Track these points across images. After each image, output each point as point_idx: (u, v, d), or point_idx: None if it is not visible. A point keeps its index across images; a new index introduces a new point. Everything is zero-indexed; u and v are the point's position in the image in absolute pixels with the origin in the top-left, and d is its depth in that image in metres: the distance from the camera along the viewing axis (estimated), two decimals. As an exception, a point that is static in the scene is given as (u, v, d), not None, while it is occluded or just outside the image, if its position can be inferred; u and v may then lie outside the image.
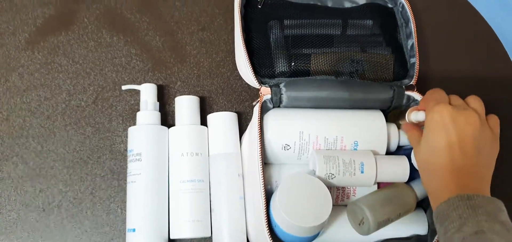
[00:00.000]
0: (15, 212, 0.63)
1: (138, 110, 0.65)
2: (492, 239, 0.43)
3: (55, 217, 0.63)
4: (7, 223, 0.62)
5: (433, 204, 0.50)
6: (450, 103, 0.52)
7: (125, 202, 0.63)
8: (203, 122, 0.65)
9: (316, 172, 0.57)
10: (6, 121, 0.65)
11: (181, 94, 0.68)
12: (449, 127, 0.50)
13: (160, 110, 0.65)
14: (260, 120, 0.58)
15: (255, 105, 0.61)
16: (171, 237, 0.60)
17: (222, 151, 0.62)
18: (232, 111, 0.65)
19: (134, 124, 0.66)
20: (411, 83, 0.63)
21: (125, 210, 0.63)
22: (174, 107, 0.67)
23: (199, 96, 0.65)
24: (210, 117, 0.63)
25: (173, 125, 0.64)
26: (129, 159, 0.61)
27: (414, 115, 0.56)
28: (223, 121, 0.63)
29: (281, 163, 0.62)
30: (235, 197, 0.60)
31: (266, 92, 0.60)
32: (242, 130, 0.65)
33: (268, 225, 0.54)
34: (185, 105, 0.63)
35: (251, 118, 0.65)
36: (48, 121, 0.66)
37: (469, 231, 0.44)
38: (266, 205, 0.55)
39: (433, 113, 0.51)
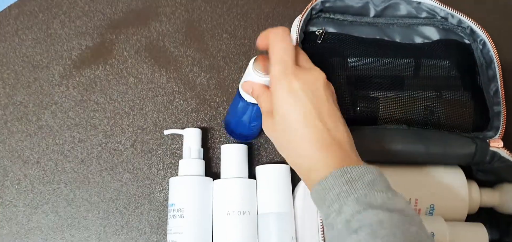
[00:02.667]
0: (43, 267, 0.57)
1: (180, 156, 0.58)
2: (377, 215, 0.36)
3: (87, 274, 0.56)
4: (35, 279, 0.56)
5: (307, 184, 0.42)
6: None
7: (164, 261, 0.56)
8: (251, 173, 0.57)
9: None
10: (37, 164, 0.59)
11: (227, 138, 0.61)
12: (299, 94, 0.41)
13: (204, 157, 0.57)
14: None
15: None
16: None
17: (273, 210, 0.54)
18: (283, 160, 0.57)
19: (176, 172, 0.59)
20: (496, 137, 0.54)
21: (164, 271, 0.56)
22: (219, 153, 0.60)
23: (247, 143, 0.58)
24: (260, 169, 0.56)
25: (217, 173, 0.57)
26: (169, 214, 0.54)
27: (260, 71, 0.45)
28: (274, 174, 0.55)
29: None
30: (289, 264, 0.52)
31: (328, 145, 0.52)
32: (295, 182, 0.57)
33: None
34: (233, 156, 0.56)
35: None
36: (82, 165, 0.60)
37: (350, 212, 0.36)
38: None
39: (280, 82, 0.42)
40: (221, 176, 0.56)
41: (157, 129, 0.61)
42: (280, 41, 0.43)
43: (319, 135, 0.41)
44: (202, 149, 0.57)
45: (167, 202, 0.58)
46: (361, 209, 0.36)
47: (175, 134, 0.60)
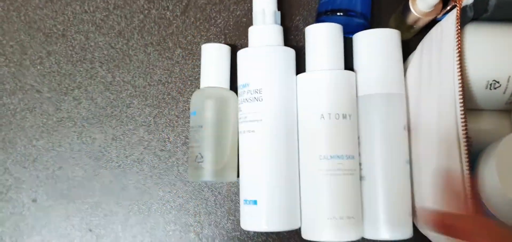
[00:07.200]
0: (80, 168, 0.45)
1: (249, 23, 0.44)
2: None
3: (135, 175, 0.45)
4: (70, 181, 0.44)
5: None
6: None
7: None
8: (347, 63, 0.43)
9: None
10: (62, 37, 0.46)
11: (305, 2, 0.46)
12: None
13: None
14: (459, 39, 0.36)
15: (442, 15, 0.39)
16: (304, 237, 0.41)
17: (376, 91, 0.40)
18: (388, 26, 0.43)
19: (243, 45, 0.45)
20: None
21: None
22: (297, 21, 0.46)
23: (338, 4, 0.43)
24: (359, 37, 0.42)
25: (297, 48, 0.43)
26: (241, 97, 0.41)
27: None
28: (378, 41, 0.41)
29: (476, 108, 0.40)
30: (398, 161, 0.40)
31: (466, -5, 0.38)
32: (406, 54, 0.43)
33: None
34: (324, 40, 0.41)
35: (422, 37, 0.43)
36: (121, 38, 0.46)
37: None
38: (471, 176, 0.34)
39: None
40: (307, 68, 0.42)
41: (216, -10, 0.47)
42: None
43: None
44: (279, 12, 0.43)
45: (237, 86, 0.45)
46: None
47: (243, -8, 0.46)
